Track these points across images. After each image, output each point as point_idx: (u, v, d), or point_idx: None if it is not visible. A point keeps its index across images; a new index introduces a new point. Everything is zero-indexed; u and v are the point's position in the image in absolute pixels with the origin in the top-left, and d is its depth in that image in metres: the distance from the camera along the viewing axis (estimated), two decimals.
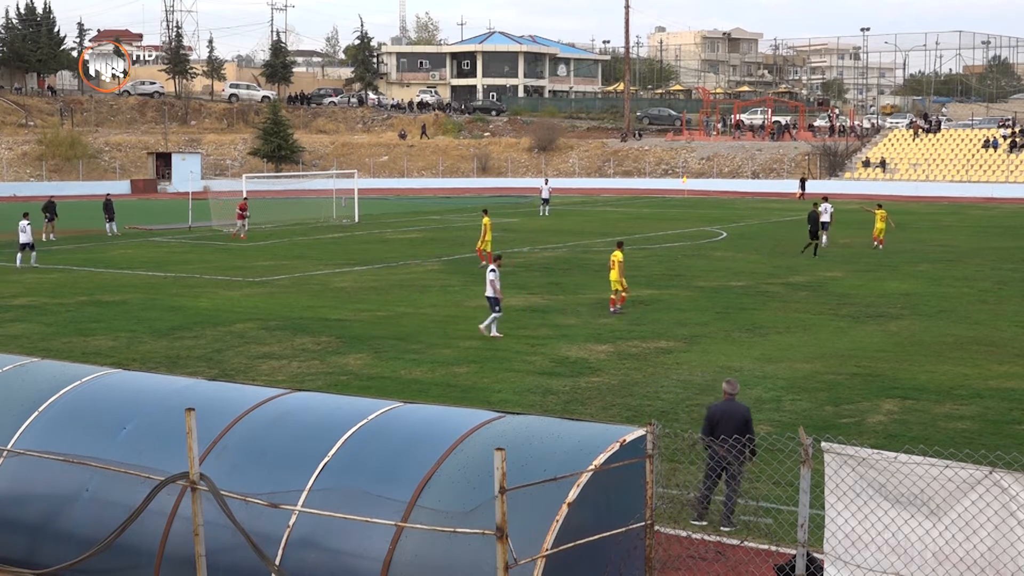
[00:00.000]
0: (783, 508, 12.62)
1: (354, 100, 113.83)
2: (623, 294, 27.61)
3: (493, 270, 24.53)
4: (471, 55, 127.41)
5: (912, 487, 9.01)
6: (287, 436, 10.68)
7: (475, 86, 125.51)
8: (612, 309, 27.36)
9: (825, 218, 42.65)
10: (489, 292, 24.40)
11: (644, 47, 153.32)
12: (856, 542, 9.31)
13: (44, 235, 47.30)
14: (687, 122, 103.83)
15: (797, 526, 9.53)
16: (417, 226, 54.88)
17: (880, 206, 43.54)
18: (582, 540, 9.20)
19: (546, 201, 61.95)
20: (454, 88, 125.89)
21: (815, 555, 9.83)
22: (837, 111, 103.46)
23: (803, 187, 75.01)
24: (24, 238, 38.27)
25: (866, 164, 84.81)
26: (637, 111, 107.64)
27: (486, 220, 37.73)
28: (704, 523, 12.76)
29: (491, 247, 36.62)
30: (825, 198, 45.55)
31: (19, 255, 38.29)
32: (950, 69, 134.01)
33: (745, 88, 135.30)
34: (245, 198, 51.24)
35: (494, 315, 24.35)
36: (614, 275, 27.33)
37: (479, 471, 9.43)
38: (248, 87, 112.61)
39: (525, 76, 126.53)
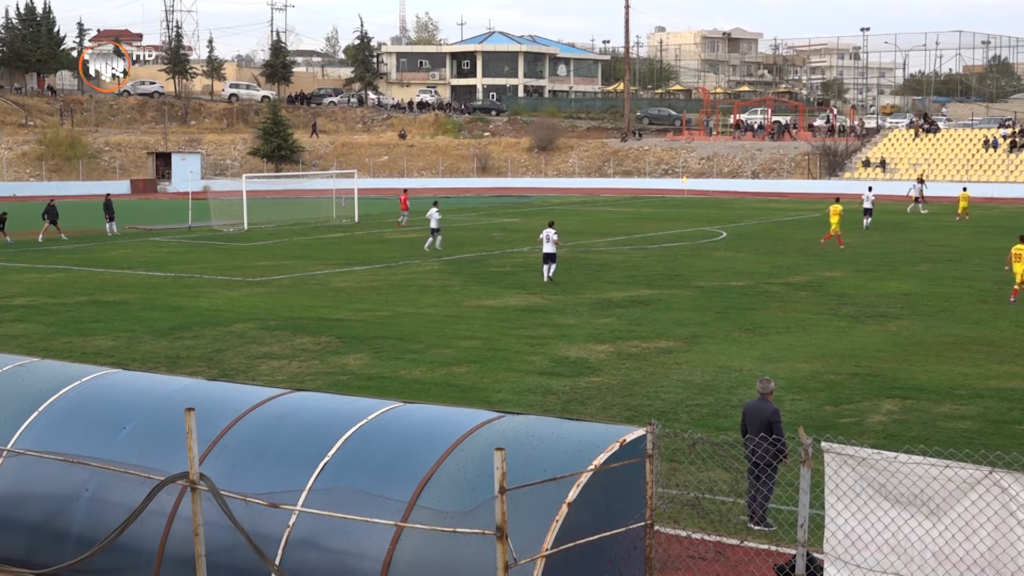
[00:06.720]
0: (783, 508, 12.62)
1: (354, 100, 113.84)
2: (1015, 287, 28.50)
3: None
4: (471, 55, 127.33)
5: (912, 487, 9.01)
6: (287, 436, 10.67)
7: (475, 86, 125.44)
8: (1012, 300, 28.44)
9: (867, 204, 49.60)
10: None
11: (644, 47, 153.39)
12: (856, 542, 9.31)
13: (40, 236, 47.33)
14: (687, 122, 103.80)
15: (797, 526, 9.53)
16: (417, 226, 54.83)
17: (965, 188, 52.04)
18: (582, 540, 9.19)
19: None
20: (454, 88, 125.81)
21: (815, 555, 9.83)
22: (836, 111, 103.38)
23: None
24: (434, 223, 41.93)
25: (866, 164, 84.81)
26: (637, 111, 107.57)
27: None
28: (751, 525, 12.72)
29: None
30: (870, 188, 52.86)
31: (429, 239, 42.04)
32: (950, 69, 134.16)
33: (745, 88, 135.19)
34: (406, 190, 56.51)
35: None
36: (1019, 267, 28.29)
37: (479, 471, 9.43)
38: (248, 87, 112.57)
39: (525, 76, 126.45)
